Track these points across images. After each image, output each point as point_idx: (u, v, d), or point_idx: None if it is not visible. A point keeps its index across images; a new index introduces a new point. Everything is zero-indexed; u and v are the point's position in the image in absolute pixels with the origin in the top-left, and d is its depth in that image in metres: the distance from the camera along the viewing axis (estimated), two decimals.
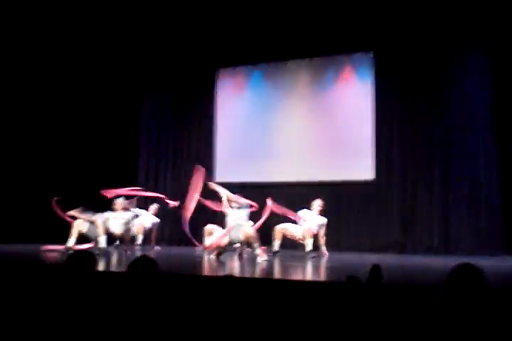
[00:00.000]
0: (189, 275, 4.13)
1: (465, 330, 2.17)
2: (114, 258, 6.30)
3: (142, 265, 2.50)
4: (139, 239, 7.93)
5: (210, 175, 9.90)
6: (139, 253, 7.01)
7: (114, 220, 7.12)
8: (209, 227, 6.81)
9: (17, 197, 9.43)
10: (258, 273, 4.93)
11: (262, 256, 6.17)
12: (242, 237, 6.39)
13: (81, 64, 10.10)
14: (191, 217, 7.46)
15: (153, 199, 8.89)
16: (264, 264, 5.74)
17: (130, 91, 10.44)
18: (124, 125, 10.41)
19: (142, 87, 10.62)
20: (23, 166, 9.61)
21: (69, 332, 2.41)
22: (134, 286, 2.50)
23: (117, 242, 7.51)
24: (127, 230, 7.24)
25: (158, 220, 8.56)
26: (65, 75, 10.03)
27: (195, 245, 7.38)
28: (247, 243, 6.57)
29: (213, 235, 6.51)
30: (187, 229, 7.42)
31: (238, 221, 6.54)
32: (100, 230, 6.79)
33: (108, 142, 10.25)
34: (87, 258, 2.58)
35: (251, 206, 6.94)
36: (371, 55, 9.00)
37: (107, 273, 3.63)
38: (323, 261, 6.57)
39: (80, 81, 10.18)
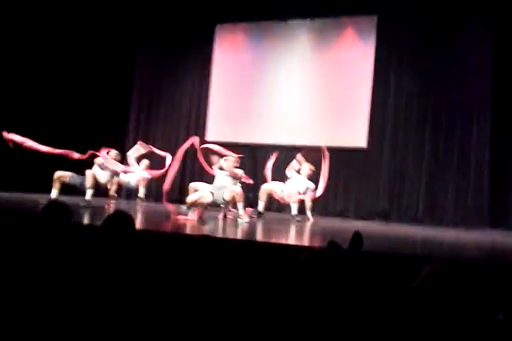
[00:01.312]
0: (165, 233, 4.09)
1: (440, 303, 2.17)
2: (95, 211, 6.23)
3: (117, 221, 2.44)
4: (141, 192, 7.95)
5: (202, 133, 9.84)
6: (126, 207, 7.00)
7: (103, 171, 7.04)
8: (194, 185, 6.75)
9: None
10: (237, 234, 4.89)
11: (243, 218, 6.12)
12: (226, 197, 6.31)
13: (74, 19, 9.80)
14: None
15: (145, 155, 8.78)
16: (245, 226, 5.68)
17: (123, 43, 10.19)
18: (117, 79, 10.22)
19: (135, 40, 10.35)
20: (18, 118, 9.44)
21: (39, 285, 2.37)
22: (108, 242, 2.45)
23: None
24: (113, 182, 7.16)
25: (148, 176, 8.48)
26: (57, 28, 9.73)
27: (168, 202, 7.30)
28: (233, 203, 6.50)
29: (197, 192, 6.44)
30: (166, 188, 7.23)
31: (224, 182, 6.45)
32: (89, 182, 6.74)
33: (101, 96, 10.09)
34: (62, 210, 2.52)
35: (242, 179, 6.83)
36: (374, 19, 8.77)
37: (84, 226, 3.58)
38: (307, 226, 6.56)
39: (73, 36, 9.90)
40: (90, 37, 10.00)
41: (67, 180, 6.84)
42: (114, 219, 2.44)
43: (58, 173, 6.85)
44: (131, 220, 2.49)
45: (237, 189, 6.32)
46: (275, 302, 2.65)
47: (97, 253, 2.47)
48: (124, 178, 7.90)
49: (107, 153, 7.14)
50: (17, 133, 7.11)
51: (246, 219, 6.10)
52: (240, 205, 6.25)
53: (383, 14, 8.69)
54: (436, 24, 8.31)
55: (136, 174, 8.26)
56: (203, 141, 9.80)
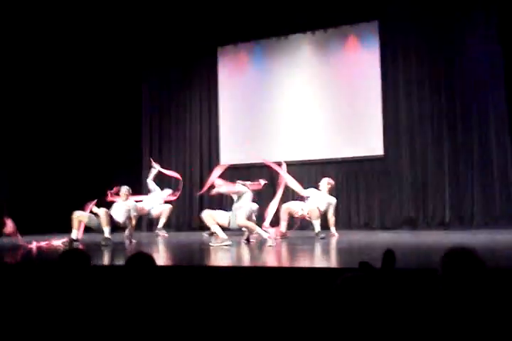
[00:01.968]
0: (188, 266, 3.98)
1: (466, 313, 2.10)
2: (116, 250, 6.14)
3: (139, 261, 2.36)
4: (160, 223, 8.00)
5: (215, 157, 9.79)
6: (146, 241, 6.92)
7: (117, 208, 6.98)
8: (208, 212, 6.52)
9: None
10: (262, 260, 4.74)
11: (268, 242, 5.91)
12: (239, 221, 6.18)
13: (78, 47, 9.92)
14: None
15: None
16: (271, 249, 5.53)
17: (127, 75, 10.26)
18: (124, 111, 10.29)
19: (139, 71, 10.41)
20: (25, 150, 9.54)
21: (64, 329, 2.31)
22: (131, 282, 2.38)
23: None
24: (129, 218, 7.08)
25: (170, 206, 8.43)
26: (61, 56, 9.86)
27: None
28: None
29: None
30: None
31: (237, 205, 6.33)
32: (104, 220, 6.65)
33: (110, 131, 10.17)
34: (80, 256, 2.45)
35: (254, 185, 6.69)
36: (376, 24, 8.72)
37: (105, 267, 3.50)
38: (333, 243, 6.40)
39: (76, 70, 10.03)
40: (94, 71, 10.11)
41: (86, 220, 6.77)
42: (135, 260, 2.37)
43: (77, 213, 6.77)
44: (151, 259, 2.41)
45: (240, 220, 6.11)
46: (313, 330, 2.54)
47: (119, 294, 2.40)
48: (147, 207, 7.87)
49: (118, 191, 7.12)
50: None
51: (270, 242, 5.85)
52: (255, 231, 6.07)
53: (384, 18, 8.64)
54: (438, 20, 8.21)
55: (159, 203, 8.19)
56: (217, 164, 9.79)
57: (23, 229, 7.61)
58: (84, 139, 10.15)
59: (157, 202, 8.34)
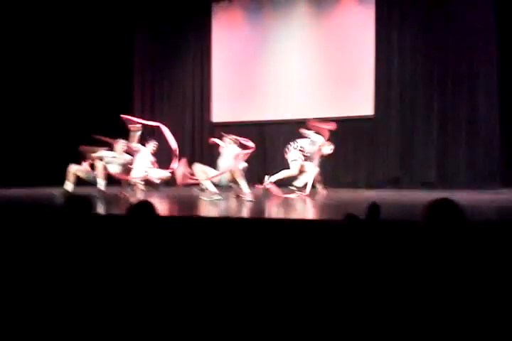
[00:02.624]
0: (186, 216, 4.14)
1: (446, 262, 2.23)
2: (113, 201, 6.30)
3: (141, 209, 2.49)
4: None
5: (207, 113, 9.85)
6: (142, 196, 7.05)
7: (113, 161, 7.08)
8: (200, 167, 6.63)
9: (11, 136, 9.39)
10: (249, 213, 4.90)
11: (247, 196, 6.01)
12: (228, 178, 6.32)
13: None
14: None
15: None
16: (250, 204, 5.68)
17: (120, 26, 10.17)
18: (116, 63, 10.23)
19: (133, 22, 10.32)
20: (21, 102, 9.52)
21: (65, 278, 2.43)
22: (132, 230, 2.51)
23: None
24: (125, 171, 7.20)
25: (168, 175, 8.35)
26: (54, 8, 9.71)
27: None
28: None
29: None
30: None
31: (226, 163, 6.45)
32: (100, 173, 6.77)
33: (102, 82, 10.10)
34: (84, 202, 2.57)
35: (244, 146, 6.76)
36: None
37: (105, 216, 3.65)
38: (321, 199, 6.61)
39: (67, 21, 9.89)
40: (86, 21, 9.97)
41: (82, 174, 6.89)
42: (138, 208, 2.50)
43: (74, 167, 6.88)
44: (154, 208, 2.54)
45: (234, 166, 6.24)
46: (302, 278, 2.70)
47: (120, 243, 2.53)
48: (151, 175, 7.83)
49: (115, 143, 7.15)
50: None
51: (249, 197, 6.00)
52: (242, 182, 6.19)
53: None
54: None
55: (158, 172, 8.09)
56: (208, 122, 9.86)
57: (12, 181, 7.79)
58: (75, 94, 10.11)
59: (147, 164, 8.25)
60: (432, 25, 8.25)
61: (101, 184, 6.76)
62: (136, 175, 7.56)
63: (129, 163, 7.29)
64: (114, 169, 7.03)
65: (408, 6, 8.42)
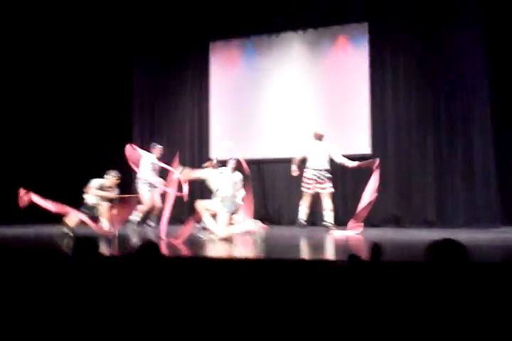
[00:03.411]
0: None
1: (449, 301, 2.23)
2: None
3: (147, 250, 2.51)
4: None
5: (206, 151, 9.94)
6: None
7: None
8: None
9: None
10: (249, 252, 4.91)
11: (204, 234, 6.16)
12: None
13: (71, 34, 10.01)
14: None
15: None
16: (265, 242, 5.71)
17: (121, 63, 10.35)
18: (115, 101, 10.39)
19: (132, 58, 10.49)
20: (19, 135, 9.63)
21: (74, 317, 2.44)
22: (139, 271, 2.53)
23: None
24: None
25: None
26: (55, 43, 9.95)
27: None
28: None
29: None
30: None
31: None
32: (104, 214, 6.85)
33: (101, 121, 10.24)
34: (92, 244, 2.60)
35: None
36: (366, 25, 8.90)
37: (112, 257, 3.65)
38: (323, 238, 6.60)
39: (70, 50, 10.12)
40: (88, 58, 10.20)
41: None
42: (144, 249, 2.52)
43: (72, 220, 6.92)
44: (159, 249, 2.57)
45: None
46: (305, 318, 2.70)
47: (126, 283, 2.54)
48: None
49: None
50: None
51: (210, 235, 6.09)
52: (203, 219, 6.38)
53: (374, 19, 8.82)
54: (426, 23, 8.39)
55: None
56: (207, 159, 9.93)
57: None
58: (75, 128, 10.21)
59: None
60: (426, 67, 8.39)
61: (106, 225, 6.77)
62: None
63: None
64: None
65: (402, 48, 8.61)
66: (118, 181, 7.21)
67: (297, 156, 7.92)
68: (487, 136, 7.99)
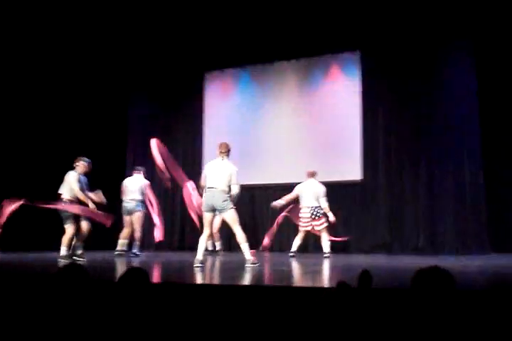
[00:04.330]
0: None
1: (432, 331, 2.23)
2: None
3: (133, 277, 2.51)
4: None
5: (198, 179, 9.91)
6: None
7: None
8: None
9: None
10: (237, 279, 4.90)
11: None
12: None
13: (66, 65, 10.08)
14: None
15: None
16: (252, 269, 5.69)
17: (116, 94, 10.45)
18: (110, 135, 10.40)
19: (127, 90, 10.63)
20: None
21: None
22: (124, 297, 2.52)
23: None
24: None
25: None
26: (50, 77, 10.00)
27: None
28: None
29: None
30: None
31: None
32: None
33: (96, 155, 10.20)
34: (79, 270, 2.59)
35: None
36: (358, 54, 9.09)
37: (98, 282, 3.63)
38: (313, 264, 6.59)
39: (65, 82, 10.18)
40: (83, 91, 10.25)
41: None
42: (130, 275, 2.51)
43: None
44: (146, 275, 2.56)
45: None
46: None
47: (114, 310, 2.53)
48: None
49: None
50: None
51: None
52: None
53: (365, 49, 9.03)
54: (418, 52, 8.58)
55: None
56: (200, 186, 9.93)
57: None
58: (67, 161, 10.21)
59: None
60: (416, 96, 8.55)
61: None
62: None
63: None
64: None
65: (393, 77, 8.77)
66: (90, 166, 7.25)
67: (290, 196, 7.93)
68: (477, 166, 8.11)
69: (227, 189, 5.99)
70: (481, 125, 8.15)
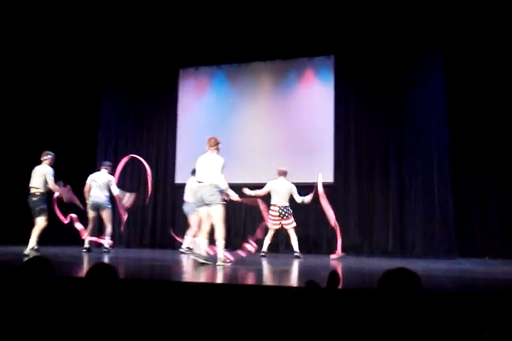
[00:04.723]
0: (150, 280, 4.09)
1: (396, 332, 2.25)
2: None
3: (101, 272, 2.47)
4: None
5: (171, 178, 9.89)
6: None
7: None
8: None
9: None
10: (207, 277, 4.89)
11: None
12: None
13: (39, 59, 9.96)
14: None
15: None
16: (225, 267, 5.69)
17: (88, 88, 10.34)
18: (83, 123, 10.32)
19: (100, 84, 10.50)
20: None
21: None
22: (92, 293, 2.48)
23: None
24: None
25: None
26: (23, 70, 9.86)
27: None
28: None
29: None
30: None
31: None
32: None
33: (66, 146, 10.11)
34: (44, 264, 2.54)
35: None
36: (332, 58, 9.17)
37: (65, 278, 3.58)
38: (283, 264, 6.61)
39: (38, 77, 10.04)
40: (54, 86, 10.13)
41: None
42: (97, 271, 2.48)
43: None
44: (114, 271, 2.53)
45: None
46: None
47: (81, 305, 2.49)
48: None
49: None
50: None
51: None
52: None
53: (340, 54, 9.12)
54: (390, 58, 8.74)
55: None
56: (171, 183, 9.89)
57: None
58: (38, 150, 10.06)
59: None
60: (387, 100, 8.69)
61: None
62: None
63: None
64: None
65: (366, 81, 8.88)
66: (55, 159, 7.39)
67: (260, 191, 7.96)
68: (445, 170, 8.25)
69: (215, 183, 5.93)
70: (450, 131, 8.31)
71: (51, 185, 7.02)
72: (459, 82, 8.40)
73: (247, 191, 7.84)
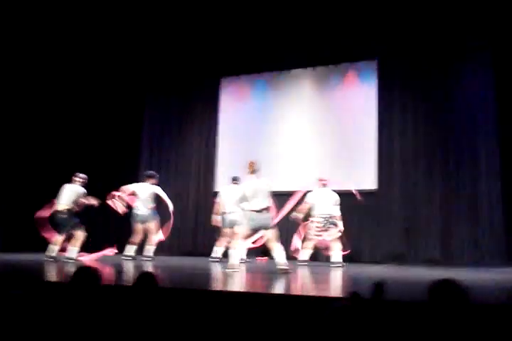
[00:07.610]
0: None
1: None
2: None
3: (144, 281, 2.50)
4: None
5: (211, 185, 9.97)
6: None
7: None
8: None
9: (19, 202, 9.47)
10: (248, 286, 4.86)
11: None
12: None
13: (85, 68, 10.21)
14: None
15: None
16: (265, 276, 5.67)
17: (130, 101, 10.56)
18: (125, 136, 10.51)
19: (143, 94, 10.70)
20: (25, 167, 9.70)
21: None
22: (136, 301, 2.51)
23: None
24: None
25: None
26: (68, 79, 10.14)
27: None
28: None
29: None
30: None
31: None
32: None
33: (110, 155, 10.34)
34: (93, 273, 2.59)
35: None
36: (375, 62, 9.06)
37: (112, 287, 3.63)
38: (325, 273, 6.54)
39: (83, 85, 10.30)
40: (97, 95, 10.38)
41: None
42: (141, 280, 2.51)
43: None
44: (156, 279, 2.56)
45: None
46: None
47: (124, 313, 2.51)
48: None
49: None
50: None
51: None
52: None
53: (383, 57, 8.99)
54: (434, 60, 8.56)
55: None
56: (211, 191, 9.94)
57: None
58: (82, 164, 10.26)
59: None
60: (433, 105, 8.51)
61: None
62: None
63: None
64: None
65: (410, 85, 8.74)
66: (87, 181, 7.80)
67: (304, 206, 7.86)
68: (494, 175, 8.00)
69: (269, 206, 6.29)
70: (498, 134, 8.04)
71: (87, 201, 7.47)
72: (508, 82, 8.12)
73: (296, 217, 7.81)
